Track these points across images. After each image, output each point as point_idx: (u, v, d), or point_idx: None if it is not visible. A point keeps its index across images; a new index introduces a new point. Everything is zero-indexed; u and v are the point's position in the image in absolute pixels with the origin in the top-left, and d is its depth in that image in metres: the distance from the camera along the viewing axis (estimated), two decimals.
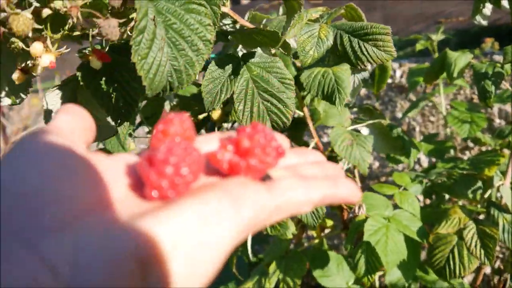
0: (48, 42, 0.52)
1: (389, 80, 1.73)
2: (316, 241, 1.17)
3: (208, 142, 0.31)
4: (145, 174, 0.24)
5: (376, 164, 1.78)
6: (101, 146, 0.90)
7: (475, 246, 0.89)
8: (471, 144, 1.57)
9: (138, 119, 1.02)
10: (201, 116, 0.99)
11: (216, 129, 0.96)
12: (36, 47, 0.51)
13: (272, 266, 1.10)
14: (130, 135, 0.94)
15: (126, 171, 0.26)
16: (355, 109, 1.33)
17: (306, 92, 0.97)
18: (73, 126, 0.28)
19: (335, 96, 0.83)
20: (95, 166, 0.25)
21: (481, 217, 1.00)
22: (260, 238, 1.47)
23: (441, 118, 1.65)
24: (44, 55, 0.52)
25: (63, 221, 0.21)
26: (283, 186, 0.27)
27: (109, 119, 0.75)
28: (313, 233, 1.21)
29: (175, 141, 0.26)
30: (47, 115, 0.67)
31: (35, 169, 0.22)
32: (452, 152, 1.35)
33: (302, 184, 0.28)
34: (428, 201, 1.54)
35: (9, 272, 0.19)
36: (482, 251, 0.88)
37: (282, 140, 0.33)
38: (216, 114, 0.91)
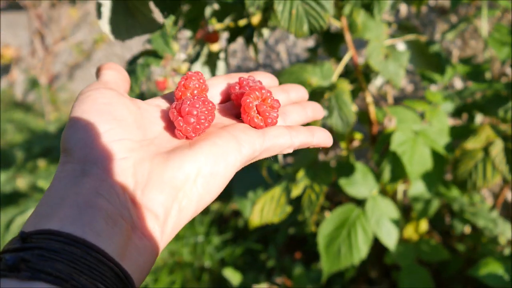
0: None
1: (431, 1, 1.68)
2: (344, 153, 1.21)
3: (218, 85, 0.43)
4: (176, 122, 0.35)
5: (410, 87, 1.77)
6: (148, 46, 0.94)
7: (500, 161, 0.92)
8: (508, 71, 1.55)
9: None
10: (241, 23, 1.01)
11: (255, 34, 0.98)
12: None
13: (300, 174, 1.15)
14: (174, 37, 0.97)
15: (160, 115, 0.38)
16: (393, 27, 1.32)
17: (346, 1, 0.97)
18: (117, 79, 0.39)
19: (374, 5, 0.84)
20: (140, 111, 0.36)
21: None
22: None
23: (481, 42, 1.61)
24: None
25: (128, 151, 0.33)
26: (273, 134, 0.38)
27: (153, 15, 0.78)
28: (342, 146, 1.25)
29: (196, 95, 0.37)
30: (98, 8, 0.70)
31: (101, 116, 0.33)
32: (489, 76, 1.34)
33: (287, 133, 0.39)
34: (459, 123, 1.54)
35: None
36: (507, 167, 0.91)
37: (271, 78, 0.46)
38: (256, 19, 0.93)
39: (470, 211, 1.04)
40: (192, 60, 1.00)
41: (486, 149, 0.95)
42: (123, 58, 3.10)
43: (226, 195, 1.75)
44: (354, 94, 1.18)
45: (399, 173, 0.96)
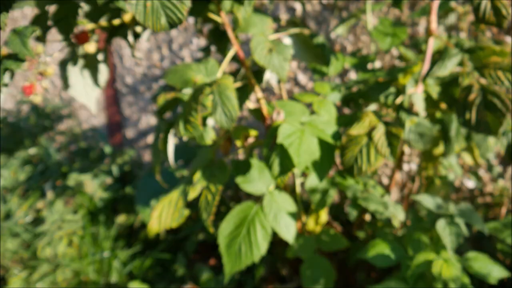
0: None
1: (324, 0, 1.73)
2: (241, 151, 1.20)
3: None
4: None
5: (310, 84, 1.81)
6: (5, 49, 0.87)
7: (382, 144, 0.94)
8: (397, 63, 1.62)
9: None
10: (116, 22, 0.97)
11: (129, 33, 0.94)
12: None
13: (197, 175, 1.12)
14: (40, 39, 0.91)
15: None
16: (283, 23, 1.33)
17: None
18: None
19: None
20: None
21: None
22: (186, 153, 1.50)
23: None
24: None
25: None
26: None
27: None
28: (238, 145, 1.23)
29: None
30: None
31: None
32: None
33: None
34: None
35: None
36: (388, 149, 0.94)
37: None
38: (127, 17, 0.90)
39: (362, 196, 1.06)
40: (64, 62, 0.94)
41: (369, 134, 0.98)
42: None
43: (132, 207, 1.69)
44: (248, 90, 1.18)
45: (287, 165, 0.96)
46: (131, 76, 2.39)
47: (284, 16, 1.83)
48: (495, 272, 0.85)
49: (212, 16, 1.04)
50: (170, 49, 2.24)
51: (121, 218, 1.67)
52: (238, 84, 1.13)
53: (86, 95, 1.03)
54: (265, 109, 1.13)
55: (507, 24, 0.78)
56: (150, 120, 2.39)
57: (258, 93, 1.12)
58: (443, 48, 1.01)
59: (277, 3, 1.84)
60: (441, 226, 0.84)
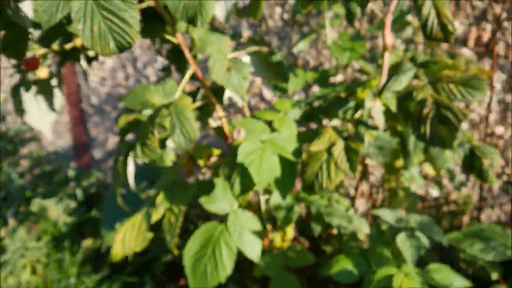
0: None
1: (285, 16, 1.74)
2: (204, 170, 1.19)
3: None
4: None
5: (274, 98, 1.81)
6: None
7: (342, 160, 0.95)
8: (359, 76, 1.64)
9: None
10: (68, 46, 0.95)
11: (82, 57, 0.93)
12: None
13: (160, 197, 1.11)
14: None
15: None
16: (243, 40, 1.33)
17: (174, 17, 0.95)
18: None
19: (197, 18, 0.83)
20: None
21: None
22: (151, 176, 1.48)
23: None
24: None
25: None
26: None
27: None
28: (200, 164, 1.22)
29: None
30: None
31: None
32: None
33: None
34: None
35: None
36: (348, 164, 0.94)
37: None
38: (78, 41, 0.88)
39: (326, 211, 1.06)
40: (16, 88, 0.92)
41: (329, 150, 0.98)
42: None
43: (98, 230, 1.65)
44: (210, 109, 1.17)
45: (248, 184, 0.95)
46: (96, 96, 2.36)
47: (246, 32, 1.84)
48: (457, 283, 0.86)
49: (168, 37, 1.03)
50: (134, 67, 2.22)
51: (87, 242, 1.63)
52: (199, 103, 1.12)
53: (41, 120, 1.01)
54: (226, 128, 1.13)
55: (453, 39, 0.80)
56: (117, 140, 2.35)
57: (219, 111, 1.11)
58: (399, 63, 1.03)
59: (239, 20, 1.84)
60: (401, 239, 0.84)
